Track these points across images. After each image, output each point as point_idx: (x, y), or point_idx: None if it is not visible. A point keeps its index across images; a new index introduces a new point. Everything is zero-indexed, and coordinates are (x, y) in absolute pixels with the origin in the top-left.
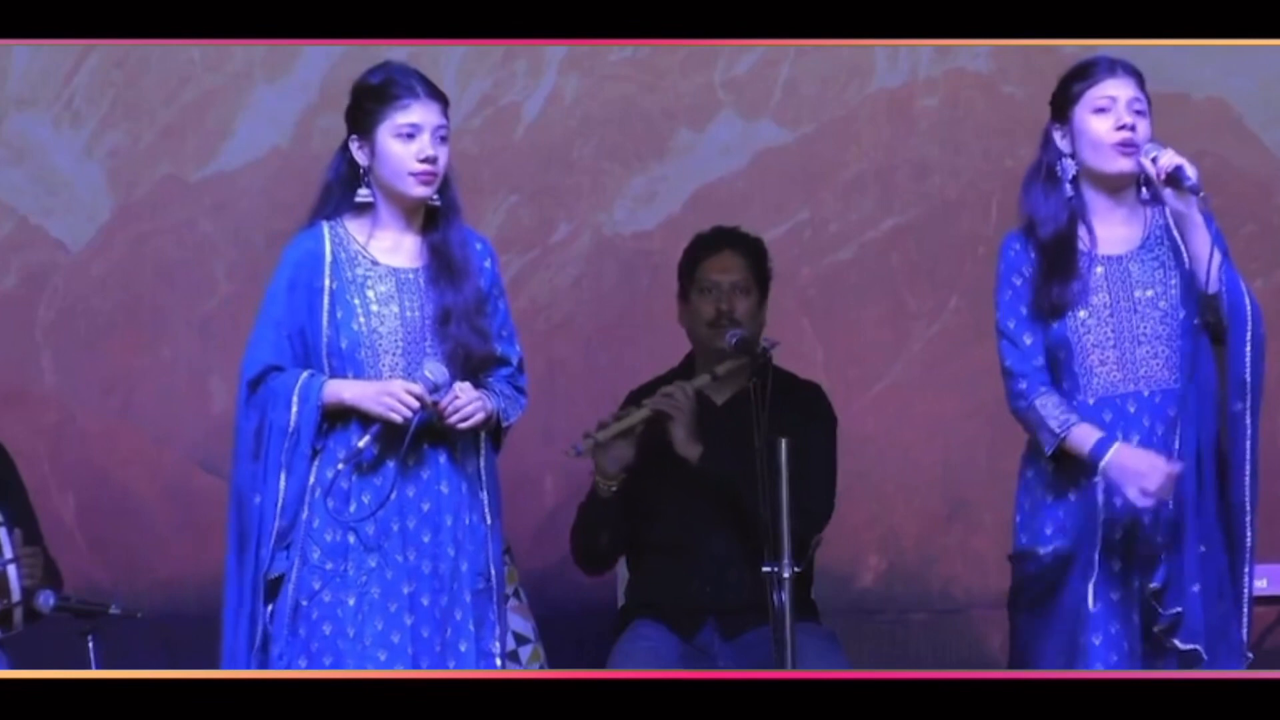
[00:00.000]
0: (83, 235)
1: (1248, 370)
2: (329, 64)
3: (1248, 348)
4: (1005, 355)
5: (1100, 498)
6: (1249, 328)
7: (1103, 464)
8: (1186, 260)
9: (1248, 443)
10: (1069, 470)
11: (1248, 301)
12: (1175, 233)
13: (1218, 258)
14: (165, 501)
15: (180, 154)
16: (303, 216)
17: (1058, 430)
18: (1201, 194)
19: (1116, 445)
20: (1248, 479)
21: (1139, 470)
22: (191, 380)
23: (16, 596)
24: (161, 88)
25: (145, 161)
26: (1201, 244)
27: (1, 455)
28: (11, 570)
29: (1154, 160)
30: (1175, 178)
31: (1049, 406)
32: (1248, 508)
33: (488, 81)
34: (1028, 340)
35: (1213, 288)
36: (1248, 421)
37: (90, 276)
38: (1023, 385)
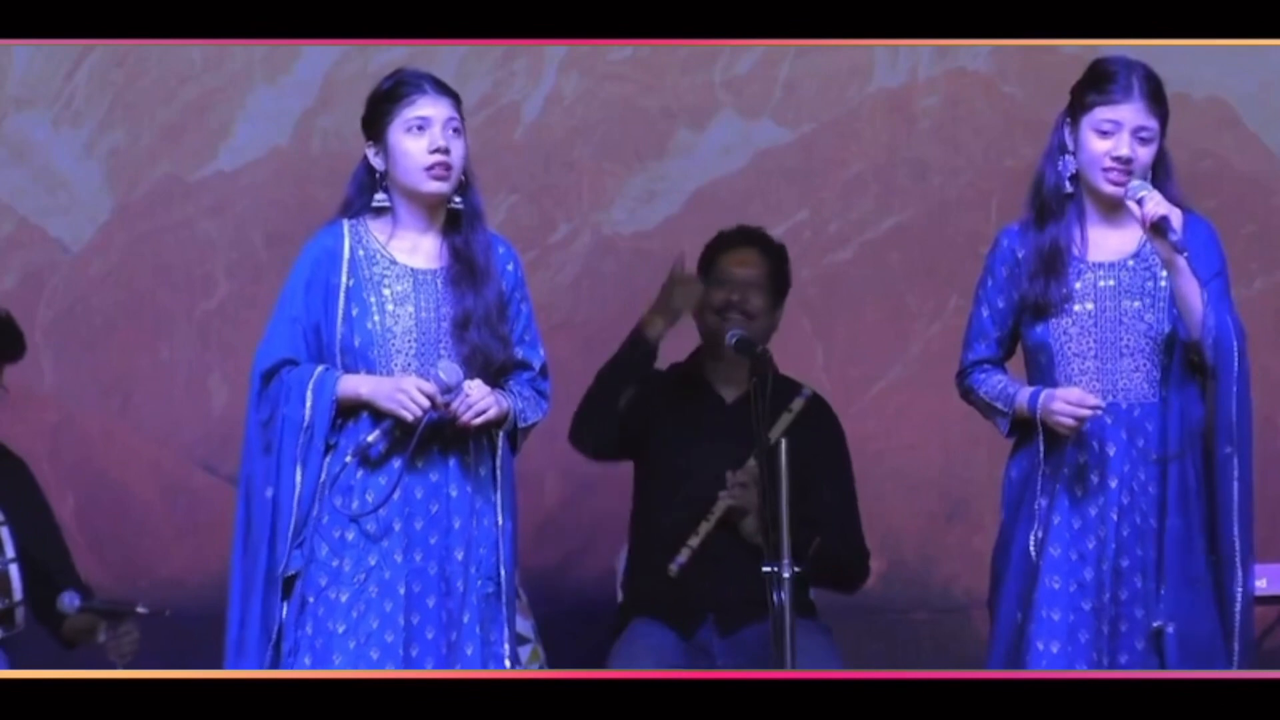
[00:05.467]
0: (83, 235)
1: (1235, 412)
2: (329, 64)
3: (1235, 388)
4: (965, 343)
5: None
6: (1236, 369)
7: (1040, 411)
8: (1174, 299)
9: (1235, 484)
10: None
11: (1235, 344)
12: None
13: (1200, 304)
14: (165, 501)
15: (180, 154)
16: (302, 216)
17: (1005, 409)
18: (1185, 254)
19: (1044, 392)
20: (1236, 526)
21: (1058, 409)
22: (191, 380)
23: (19, 596)
24: (161, 88)
25: (145, 161)
26: (1187, 290)
27: (16, 461)
28: (13, 570)
29: (1139, 202)
30: (1160, 228)
31: (992, 388)
32: (1237, 548)
33: (487, 81)
34: (991, 333)
35: (1195, 335)
36: (1235, 464)
37: (90, 276)
38: (971, 376)
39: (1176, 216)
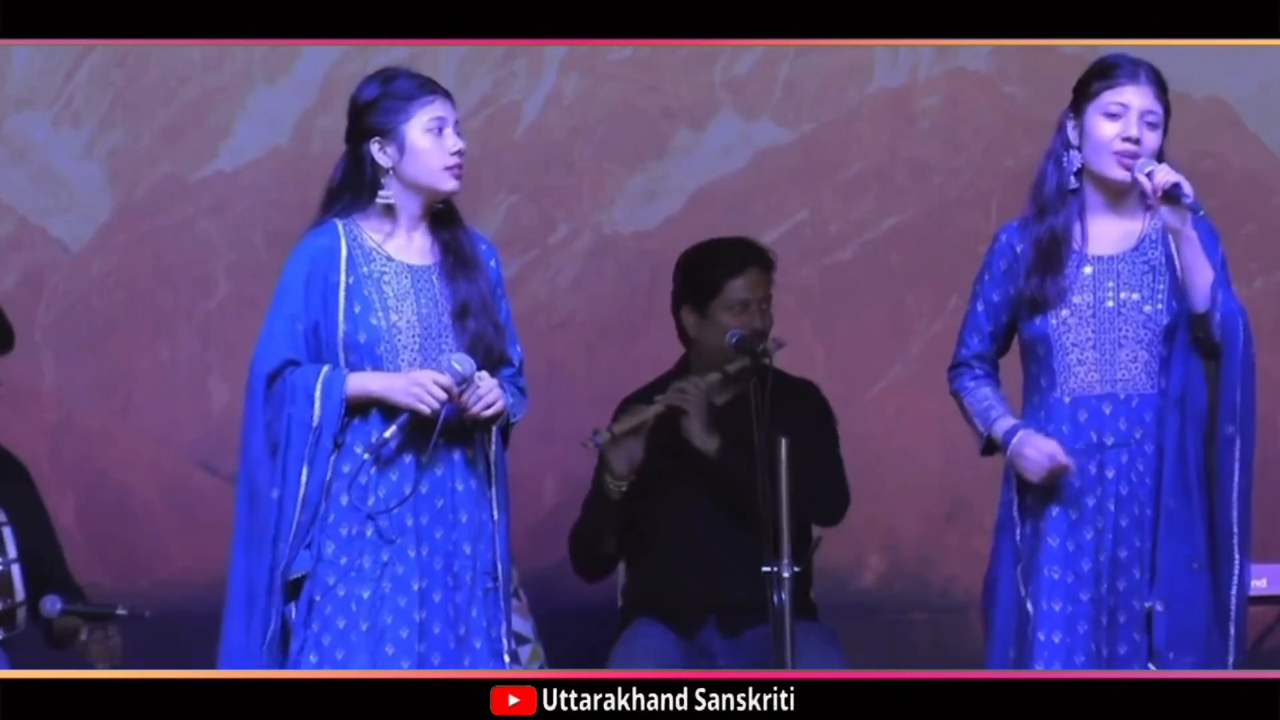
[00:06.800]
0: (83, 235)
1: (1239, 393)
2: (329, 64)
3: (1239, 369)
4: (960, 338)
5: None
6: (1240, 350)
7: (1010, 452)
8: (1180, 272)
9: (1236, 465)
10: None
11: (1240, 322)
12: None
13: (1209, 277)
14: (165, 501)
15: (180, 154)
16: (302, 216)
17: (983, 429)
18: (1201, 212)
19: (1019, 434)
20: (1235, 505)
21: (1030, 455)
22: (191, 380)
23: (20, 596)
24: (161, 88)
25: (145, 161)
26: (1195, 262)
27: (16, 463)
28: (15, 570)
29: (1149, 175)
30: (1172, 195)
31: (976, 402)
32: (1235, 531)
33: (488, 81)
34: (985, 327)
35: (1202, 307)
36: (1237, 445)
37: (90, 276)
38: (961, 378)
39: (1187, 184)
